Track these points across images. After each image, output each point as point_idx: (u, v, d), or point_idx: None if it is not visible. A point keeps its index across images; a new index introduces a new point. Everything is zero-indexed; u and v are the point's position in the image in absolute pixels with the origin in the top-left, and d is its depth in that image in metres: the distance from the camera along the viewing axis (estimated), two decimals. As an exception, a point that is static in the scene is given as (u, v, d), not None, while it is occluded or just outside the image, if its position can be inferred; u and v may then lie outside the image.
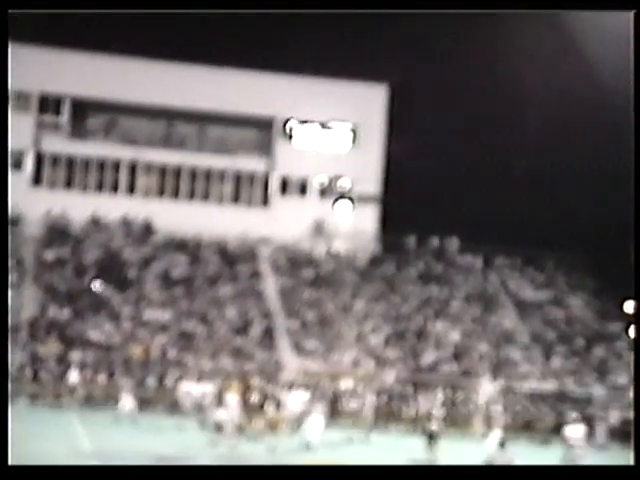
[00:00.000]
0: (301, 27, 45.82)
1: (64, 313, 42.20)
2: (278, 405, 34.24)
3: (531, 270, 51.59)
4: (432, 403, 36.77)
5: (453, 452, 27.51)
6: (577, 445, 26.85)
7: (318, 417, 30.39)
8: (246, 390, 35.32)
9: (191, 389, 35.53)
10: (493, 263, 51.55)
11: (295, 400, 34.19)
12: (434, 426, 28.82)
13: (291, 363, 41.80)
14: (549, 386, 42.61)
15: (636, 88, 16.66)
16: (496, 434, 26.63)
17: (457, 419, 39.01)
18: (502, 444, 19.82)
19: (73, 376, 37.91)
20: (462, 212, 50.17)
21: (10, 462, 13.61)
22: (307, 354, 42.49)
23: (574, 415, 36.95)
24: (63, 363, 39.08)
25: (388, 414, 38.49)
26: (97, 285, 40.02)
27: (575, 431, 29.38)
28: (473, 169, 51.90)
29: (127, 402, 34.02)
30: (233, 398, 31.40)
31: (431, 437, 27.96)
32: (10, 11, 12.12)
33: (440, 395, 39.16)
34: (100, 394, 37.69)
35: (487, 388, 41.59)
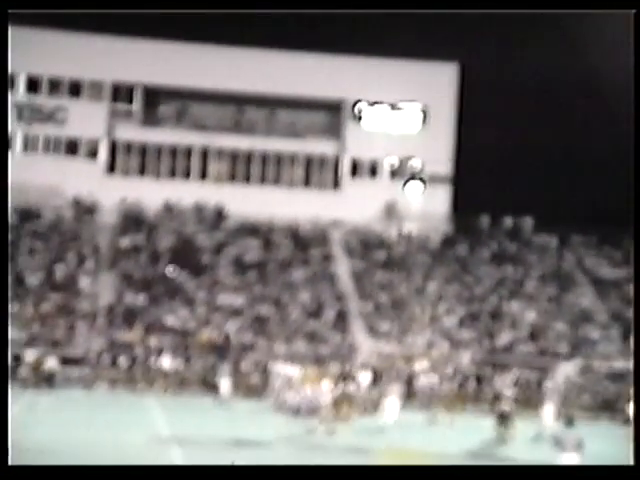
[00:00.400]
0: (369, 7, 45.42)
1: (140, 299, 42.74)
2: (357, 388, 34.14)
3: (607, 248, 50.70)
4: (505, 383, 36.33)
5: (526, 432, 27.29)
6: None
7: (394, 399, 30.30)
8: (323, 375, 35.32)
9: (281, 370, 35.23)
10: (568, 242, 50.80)
11: (370, 382, 34.15)
12: (505, 406, 28.67)
13: (365, 346, 41.79)
14: (629, 365, 41.87)
15: (636, 88, 16.25)
16: (549, 409, 26.16)
17: (533, 400, 38.57)
18: (570, 422, 19.35)
19: (165, 361, 38.27)
20: (536, 191, 49.46)
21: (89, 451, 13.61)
22: (381, 336, 42.43)
23: None
24: (143, 348, 39.59)
25: (464, 396, 38.19)
26: (170, 270, 40.41)
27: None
28: (546, 148, 51.10)
29: (225, 386, 34.33)
30: (325, 384, 31.69)
31: (502, 417, 27.81)
32: (10, 11, 12.14)
33: (513, 375, 38.68)
34: (176, 380, 38.10)
35: (565, 368, 41.10)
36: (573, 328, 44.60)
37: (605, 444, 24.96)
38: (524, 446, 26.01)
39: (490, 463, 21.75)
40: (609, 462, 22.86)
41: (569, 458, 18.73)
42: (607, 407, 38.26)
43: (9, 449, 9.28)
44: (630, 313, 45.75)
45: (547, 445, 20.62)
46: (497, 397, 32.46)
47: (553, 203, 48.26)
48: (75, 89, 50.46)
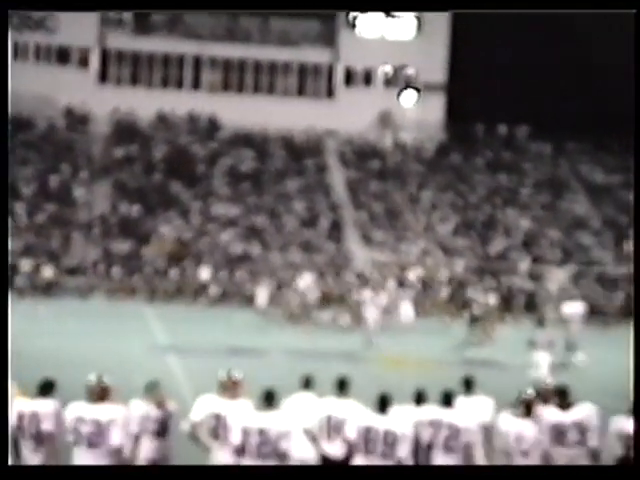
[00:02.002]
0: None
1: (134, 210, 42.75)
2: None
3: (602, 154, 50.61)
4: (481, 290, 36.42)
5: (506, 336, 27.87)
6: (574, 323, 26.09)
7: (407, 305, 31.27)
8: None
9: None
10: (563, 149, 50.69)
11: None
12: (475, 310, 29.57)
13: (359, 254, 42.00)
14: (622, 270, 42.24)
15: (637, 87, 16.00)
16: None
17: (530, 306, 39.00)
18: (541, 322, 19.96)
19: (205, 273, 38.36)
20: (531, 99, 49.09)
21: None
22: (375, 245, 42.60)
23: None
24: (135, 259, 39.78)
25: (457, 303, 38.48)
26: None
27: (572, 307, 28.61)
28: (541, 55, 50.55)
29: (262, 296, 34.59)
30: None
31: (473, 321, 28.91)
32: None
33: (491, 281, 38.86)
34: (173, 288, 38.35)
35: (558, 274, 41.44)
36: (567, 235, 44.79)
37: (596, 348, 25.30)
38: (501, 349, 26.54)
39: (459, 364, 22.05)
40: (601, 366, 23.25)
41: (541, 357, 19.33)
42: (599, 312, 38.55)
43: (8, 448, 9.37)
44: (623, 220, 45.95)
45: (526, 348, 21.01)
46: (467, 302, 33.07)
47: (548, 111, 47.96)
48: (65, -4, 49.59)
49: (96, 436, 9.66)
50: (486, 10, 14.73)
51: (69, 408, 9.88)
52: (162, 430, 10.16)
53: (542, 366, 19.23)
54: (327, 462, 10.53)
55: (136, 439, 10.02)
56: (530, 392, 10.55)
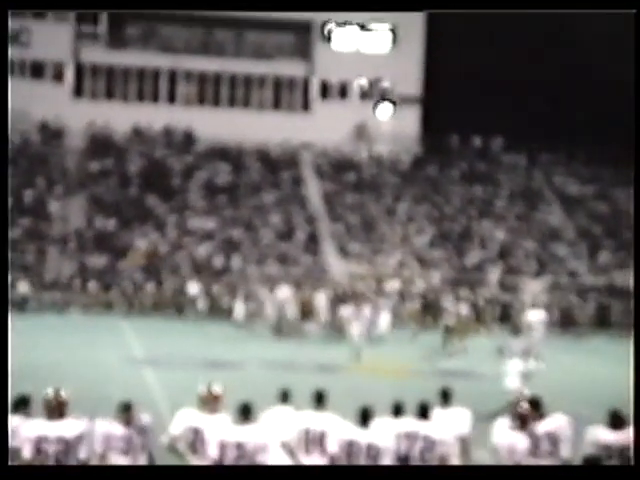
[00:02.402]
0: None
1: (110, 223, 42.61)
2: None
3: (576, 165, 50.94)
4: (455, 300, 36.53)
5: (480, 346, 28.01)
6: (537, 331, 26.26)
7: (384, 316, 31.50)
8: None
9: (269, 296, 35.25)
10: (537, 160, 50.97)
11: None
12: (449, 321, 29.88)
13: (336, 267, 42.03)
14: (597, 281, 42.50)
15: (637, 87, 16.19)
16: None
17: (505, 316, 39.17)
18: (516, 331, 20.14)
19: (193, 288, 38.23)
20: (505, 111, 49.34)
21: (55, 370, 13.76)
22: (352, 257, 42.65)
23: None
24: (111, 273, 39.63)
25: (432, 313, 38.57)
26: None
27: (535, 315, 28.82)
28: (514, 66, 50.83)
29: (240, 310, 34.55)
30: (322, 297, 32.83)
31: (446, 331, 29.42)
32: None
33: (463, 292, 38.92)
34: (150, 302, 38.23)
35: (533, 285, 41.62)
36: (541, 246, 45.02)
37: (568, 357, 25.48)
38: (476, 359, 26.63)
39: (434, 375, 22.11)
40: (573, 375, 23.37)
41: (514, 364, 19.45)
42: (572, 322, 38.82)
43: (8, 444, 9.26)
44: (597, 230, 46.26)
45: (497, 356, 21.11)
46: (441, 313, 33.34)
47: (522, 122, 48.22)
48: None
49: (64, 454, 9.44)
50: (487, 10, 14.66)
51: (26, 426, 9.58)
52: (128, 448, 10.01)
53: (514, 375, 19.32)
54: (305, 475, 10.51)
55: (102, 458, 9.90)
56: (525, 405, 10.49)
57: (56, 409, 9.59)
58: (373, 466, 9.92)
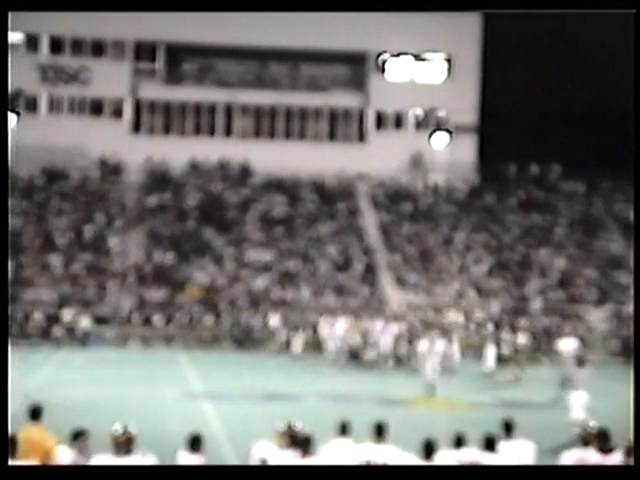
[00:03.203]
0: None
1: (168, 257, 42.97)
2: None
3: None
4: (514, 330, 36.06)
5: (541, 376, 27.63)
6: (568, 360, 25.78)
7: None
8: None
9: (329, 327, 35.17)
10: (597, 187, 50.42)
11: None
12: (504, 350, 29.66)
13: (394, 298, 41.86)
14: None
15: (637, 87, 15.97)
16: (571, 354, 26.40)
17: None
18: (580, 362, 19.71)
19: (240, 319, 38.71)
20: (562, 137, 48.97)
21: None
22: (410, 288, 42.46)
23: None
24: (170, 307, 39.89)
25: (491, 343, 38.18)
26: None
27: (567, 345, 28.47)
28: (571, 93, 50.47)
29: (297, 343, 34.62)
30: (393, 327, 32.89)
31: (500, 361, 29.62)
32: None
33: (522, 322, 38.35)
34: (209, 336, 38.42)
35: (595, 314, 41.04)
36: (603, 274, 44.40)
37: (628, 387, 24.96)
38: (531, 388, 26.30)
39: (494, 406, 21.83)
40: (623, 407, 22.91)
41: (578, 396, 19.10)
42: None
43: (14, 445, 9.31)
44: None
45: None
46: (499, 343, 32.88)
47: (580, 149, 47.76)
48: (98, 48, 50.39)
49: None
50: (487, 10, 14.62)
51: (94, 460, 9.70)
52: None
53: (579, 406, 18.99)
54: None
55: None
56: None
57: (124, 445, 9.66)
58: (373, 466, 9.84)
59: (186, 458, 10.13)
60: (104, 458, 9.66)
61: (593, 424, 11.09)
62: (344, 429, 10.98)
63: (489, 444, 10.46)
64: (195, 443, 10.23)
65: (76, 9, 13.25)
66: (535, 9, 13.33)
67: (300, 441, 10.02)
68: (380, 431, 10.60)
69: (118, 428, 9.78)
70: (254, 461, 10.26)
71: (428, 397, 24.83)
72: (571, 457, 10.39)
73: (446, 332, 33.58)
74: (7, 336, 10.66)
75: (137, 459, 9.64)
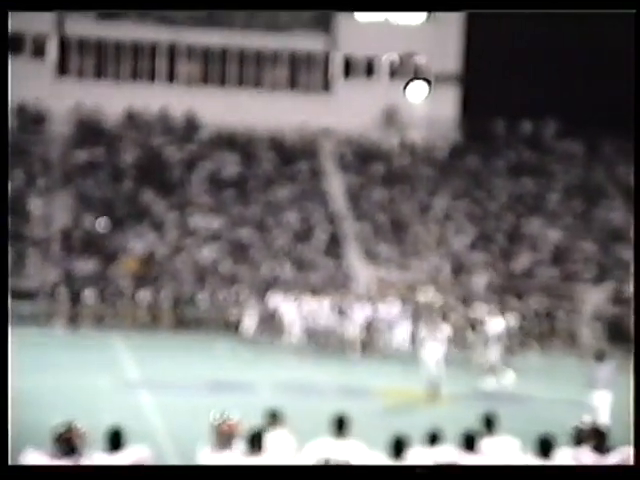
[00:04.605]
0: None
1: (101, 223, 42.85)
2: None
3: (643, 155, 50.74)
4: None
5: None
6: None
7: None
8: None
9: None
10: (598, 148, 50.88)
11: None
12: (493, 335, 29.99)
13: (362, 273, 42.12)
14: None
15: (637, 87, 16.35)
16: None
17: (559, 332, 39.20)
18: (600, 357, 19.79)
19: (182, 296, 38.89)
20: (559, 90, 49.27)
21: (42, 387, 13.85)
22: (380, 262, 42.73)
23: None
24: (104, 281, 39.91)
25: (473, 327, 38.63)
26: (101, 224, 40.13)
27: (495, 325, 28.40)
28: (568, 37, 50.73)
29: (250, 324, 34.80)
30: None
31: (489, 346, 28.88)
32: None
33: (512, 302, 38.69)
34: (147, 315, 38.55)
35: (594, 295, 41.58)
36: (603, 248, 44.94)
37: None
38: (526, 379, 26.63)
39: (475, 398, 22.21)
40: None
41: (601, 396, 19.11)
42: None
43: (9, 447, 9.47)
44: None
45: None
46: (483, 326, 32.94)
47: (579, 104, 48.11)
48: (17, -23, 49.84)
49: None
50: (489, 10, 14.98)
51: (24, 459, 9.71)
52: None
53: (602, 408, 18.86)
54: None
55: None
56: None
57: (66, 444, 9.66)
58: (373, 466, 10.07)
59: (103, 459, 10.05)
60: (36, 457, 9.70)
61: (588, 420, 11.35)
62: (277, 420, 11.21)
63: (468, 442, 10.67)
64: (114, 439, 10.18)
65: (75, 9, 13.36)
66: (536, 9, 13.57)
67: (250, 437, 10.18)
68: (341, 425, 10.81)
69: (61, 425, 9.73)
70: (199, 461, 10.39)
71: (433, 397, 24.21)
72: (562, 457, 10.66)
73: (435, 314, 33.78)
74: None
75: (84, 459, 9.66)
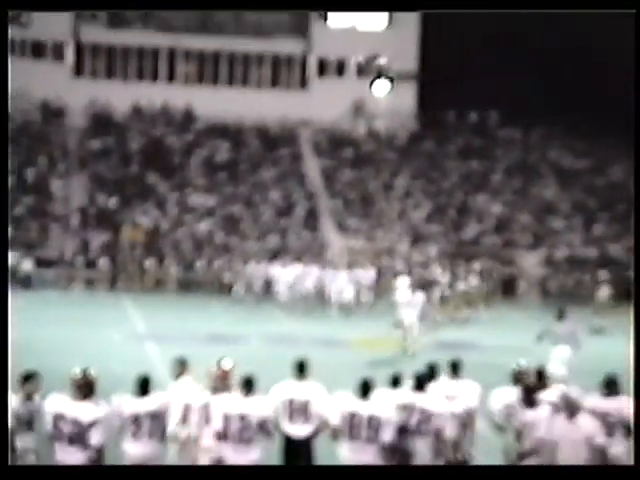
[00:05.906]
0: None
1: (112, 201, 42.43)
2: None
3: (571, 139, 50.62)
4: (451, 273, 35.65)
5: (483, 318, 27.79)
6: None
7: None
8: None
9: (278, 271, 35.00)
10: (533, 134, 50.71)
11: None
12: (445, 292, 29.87)
13: (335, 242, 41.91)
14: (592, 253, 42.41)
15: (637, 87, 15.91)
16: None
17: (500, 290, 39.21)
18: (560, 315, 19.22)
19: (182, 263, 38.52)
20: (501, 85, 49.02)
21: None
22: (351, 233, 42.51)
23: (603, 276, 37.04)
24: (113, 250, 39.52)
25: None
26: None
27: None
28: (509, 40, 50.45)
29: (241, 288, 34.53)
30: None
31: (443, 302, 29.77)
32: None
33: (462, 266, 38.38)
34: (153, 279, 38.22)
35: (529, 259, 41.58)
36: (537, 219, 44.88)
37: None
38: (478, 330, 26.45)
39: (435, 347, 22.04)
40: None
41: (560, 351, 18.57)
42: (570, 294, 38.65)
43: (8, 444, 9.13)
44: (592, 203, 46.07)
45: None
46: (436, 285, 32.47)
47: (517, 96, 47.89)
48: (38, -9, 49.02)
49: (77, 435, 9.23)
50: (486, 10, 14.50)
51: (49, 401, 9.46)
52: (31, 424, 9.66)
53: (559, 361, 18.20)
54: (290, 442, 10.53)
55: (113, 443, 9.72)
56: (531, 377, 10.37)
57: (82, 389, 9.38)
58: (372, 466, 9.88)
59: (132, 403, 9.86)
60: (59, 399, 9.44)
61: (524, 363, 11.05)
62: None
63: (419, 384, 10.47)
64: (143, 386, 10.01)
65: (75, 9, 12.84)
66: (536, 9, 13.15)
67: (244, 381, 10.04)
68: (302, 369, 10.66)
69: (77, 372, 9.49)
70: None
71: (403, 347, 23.06)
72: (497, 396, 10.50)
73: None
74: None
75: (86, 407, 9.31)
